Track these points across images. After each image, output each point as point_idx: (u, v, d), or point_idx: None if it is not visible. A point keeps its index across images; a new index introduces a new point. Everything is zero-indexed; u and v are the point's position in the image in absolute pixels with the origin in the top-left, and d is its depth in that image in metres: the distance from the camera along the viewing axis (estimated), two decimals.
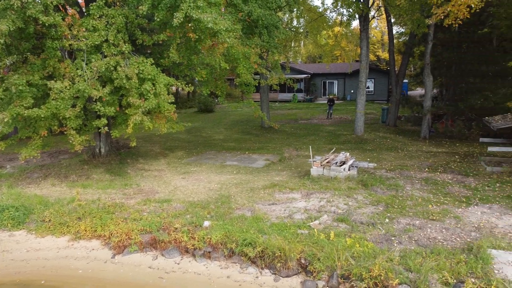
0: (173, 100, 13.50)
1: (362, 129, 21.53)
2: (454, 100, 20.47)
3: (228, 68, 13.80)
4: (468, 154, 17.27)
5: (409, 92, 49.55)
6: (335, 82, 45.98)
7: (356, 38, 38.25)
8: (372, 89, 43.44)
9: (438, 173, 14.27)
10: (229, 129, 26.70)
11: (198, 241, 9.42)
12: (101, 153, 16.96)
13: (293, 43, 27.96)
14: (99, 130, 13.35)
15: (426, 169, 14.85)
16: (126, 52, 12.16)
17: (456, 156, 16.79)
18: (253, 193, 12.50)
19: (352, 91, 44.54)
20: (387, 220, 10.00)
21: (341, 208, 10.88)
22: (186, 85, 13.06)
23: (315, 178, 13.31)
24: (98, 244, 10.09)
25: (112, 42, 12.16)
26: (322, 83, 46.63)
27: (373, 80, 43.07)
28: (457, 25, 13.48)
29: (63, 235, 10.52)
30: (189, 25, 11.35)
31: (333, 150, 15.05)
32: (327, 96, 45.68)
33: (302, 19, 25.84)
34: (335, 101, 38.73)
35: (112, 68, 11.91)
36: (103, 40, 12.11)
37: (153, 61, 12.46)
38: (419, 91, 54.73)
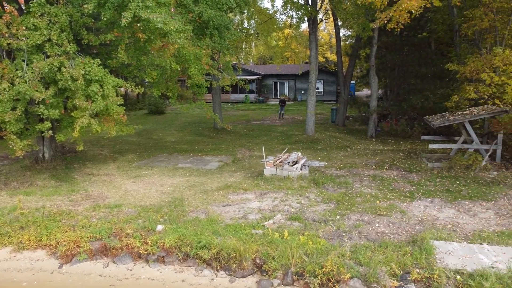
0: (122, 102, 13.13)
1: (313, 129, 22.09)
2: (398, 100, 21.58)
3: (179, 69, 13.63)
4: (412, 151, 18.24)
5: (356, 93, 51.50)
6: (286, 83, 46.80)
7: (306, 40, 39.17)
8: (322, 90, 44.68)
9: (384, 170, 14.94)
10: (181, 131, 26.33)
11: (151, 246, 9.21)
12: (45, 158, 16.11)
13: (244, 44, 28.11)
14: (43, 134, 12.69)
15: (374, 166, 15.50)
16: (71, 52, 11.64)
17: (401, 154, 17.68)
18: (207, 195, 12.42)
19: (302, 91, 45.54)
20: (338, 217, 10.33)
21: (294, 207, 11.09)
22: (136, 87, 12.73)
23: (268, 178, 13.47)
24: (44, 254, 9.58)
25: (56, 41, 11.58)
26: (273, 84, 47.29)
27: (322, 81, 44.31)
28: (399, 29, 14.22)
29: (4, 247, 9.87)
30: (138, 25, 11.08)
31: (285, 150, 15.30)
32: (278, 97, 46.38)
33: (253, 20, 26.09)
34: (287, 102, 39.45)
35: (56, 69, 11.35)
36: (46, 39, 11.50)
37: (100, 62, 12.02)
38: (365, 91, 57.01)
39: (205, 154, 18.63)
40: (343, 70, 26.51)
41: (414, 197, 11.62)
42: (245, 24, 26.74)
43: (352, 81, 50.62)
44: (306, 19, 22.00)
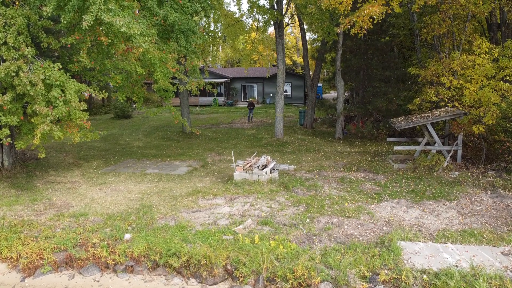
0: (86, 107, 12.72)
1: (281, 132, 22.21)
2: (363, 103, 22.06)
3: (144, 73, 13.35)
4: (378, 153, 18.68)
5: (324, 95, 52.34)
6: (255, 86, 46.92)
7: (273, 43, 39.41)
8: (290, 93, 45.08)
9: (352, 172, 15.21)
10: (148, 135, 25.83)
11: (119, 256, 8.95)
12: (4, 166, 15.37)
13: (211, 48, 27.96)
14: (1, 142, 12.08)
15: (342, 168, 15.75)
16: (29, 56, 11.14)
17: (367, 155, 18.06)
18: (176, 201, 12.21)
19: (271, 94, 45.80)
20: (308, 220, 10.40)
21: (264, 211, 11.08)
22: (100, 91, 12.35)
23: (238, 182, 13.40)
24: (4, 268, 9.10)
25: (12, 45, 11.07)
26: (242, 87, 47.31)
27: (290, 84, 44.73)
28: (362, 34, 14.56)
29: None
30: (100, 28, 10.76)
31: (255, 154, 15.29)
32: (247, 100, 46.46)
33: (220, 24, 25.96)
34: (255, 105, 39.58)
35: (14, 74, 10.84)
36: (1, 42, 10.97)
37: (61, 66, 11.58)
38: (332, 94, 58.05)
39: (174, 159, 18.34)
40: (310, 73, 26.85)
41: (381, 198, 11.89)
42: (212, 27, 26.55)
43: (320, 84, 51.42)
44: (272, 23, 22.14)
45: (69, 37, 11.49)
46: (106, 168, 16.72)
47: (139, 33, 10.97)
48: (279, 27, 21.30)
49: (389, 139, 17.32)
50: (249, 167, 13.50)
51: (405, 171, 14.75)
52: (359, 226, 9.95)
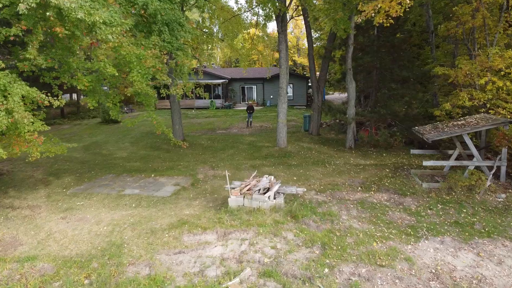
0: (43, 117, 10.14)
1: (285, 140, 19.55)
2: (377, 106, 19.41)
3: (117, 74, 10.71)
4: (398, 166, 16.02)
5: (326, 97, 49.69)
6: (254, 87, 44.25)
7: (273, 42, 36.78)
8: (291, 94, 42.43)
9: (372, 192, 12.58)
10: (135, 143, 23.14)
11: None
12: None
13: (209, 46, 25.27)
14: None
15: (359, 188, 13.13)
16: None
17: (387, 170, 15.41)
18: (155, 237, 9.56)
19: (271, 96, 43.18)
20: (326, 270, 7.76)
21: (267, 255, 8.43)
22: (55, 98, 9.68)
23: (234, 210, 10.73)
24: None
25: None
26: (240, 89, 44.63)
27: (292, 85, 42.09)
28: (388, 23, 11.87)
29: None
30: (49, 14, 8.09)
31: (255, 173, 12.63)
32: (246, 102, 43.80)
33: (217, 20, 23.34)
34: (255, 108, 36.90)
35: None
36: None
37: (3, 65, 8.93)
38: (336, 95, 55.45)
39: (160, 174, 15.67)
40: (316, 74, 24.21)
41: (419, 234, 9.23)
42: (208, 25, 23.88)
43: None
44: (274, 17, 19.50)
45: (13, 28, 8.83)
46: (78, 188, 14.04)
47: (102, 21, 8.33)
48: (282, 21, 18.65)
49: (413, 152, 14.67)
50: (247, 190, 10.84)
51: (437, 192, 12.11)
52: (397, 281, 7.30)
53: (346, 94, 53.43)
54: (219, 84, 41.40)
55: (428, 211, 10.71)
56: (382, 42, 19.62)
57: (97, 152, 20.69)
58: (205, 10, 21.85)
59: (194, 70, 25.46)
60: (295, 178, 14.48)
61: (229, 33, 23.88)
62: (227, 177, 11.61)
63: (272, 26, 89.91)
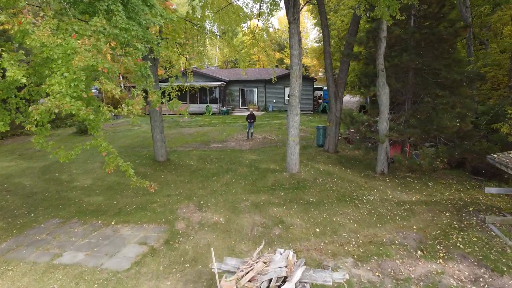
0: None
1: (297, 164, 14.95)
2: (418, 119, 14.87)
3: (25, 80, 6.18)
4: (458, 205, 11.47)
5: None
6: (255, 90, 39.62)
7: (274, 42, 32.28)
8: None
9: (441, 262, 8.06)
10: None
11: None
12: None
13: (201, 42, 20.73)
14: None
15: (418, 251, 8.59)
16: None
17: (446, 214, 10.85)
18: None
19: (274, 100, 38.64)
20: None
21: None
22: None
23: None
24: None
25: None
26: (240, 92, 39.99)
27: None
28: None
29: None
30: None
31: (261, 246, 8.00)
32: (246, 107, 39.25)
33: (211, 11, 18.80)
34: (256, 114, 32.33)
35: None
36: None
37: None
38: (345, 97, 50.81)
39: (124, 220, 11.09)
40: (335, 76, 19.66)
41: None
42: (198, 14, 19.29)
43: (324, 88, 43.67)
44: (283, 3, 14.94)
45: None
46: None
47: None
48: (294, 7, 14.09)
49: (488, 190, 10.16)
50: (249, 281, 6.27)
51: None
52: None
53: (358, 98, 48.31)
54: (215, 87, 36.81)
55: None
56: (426, 34, 15.04)
57: (55, 178, 16.10)
58: None
59: (184, 71, 20.90)
60: (317, 230, 9.94)
61: (226, 26, 19.40)
62: (213, 257, 7.00)
63: (274, 22, 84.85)
